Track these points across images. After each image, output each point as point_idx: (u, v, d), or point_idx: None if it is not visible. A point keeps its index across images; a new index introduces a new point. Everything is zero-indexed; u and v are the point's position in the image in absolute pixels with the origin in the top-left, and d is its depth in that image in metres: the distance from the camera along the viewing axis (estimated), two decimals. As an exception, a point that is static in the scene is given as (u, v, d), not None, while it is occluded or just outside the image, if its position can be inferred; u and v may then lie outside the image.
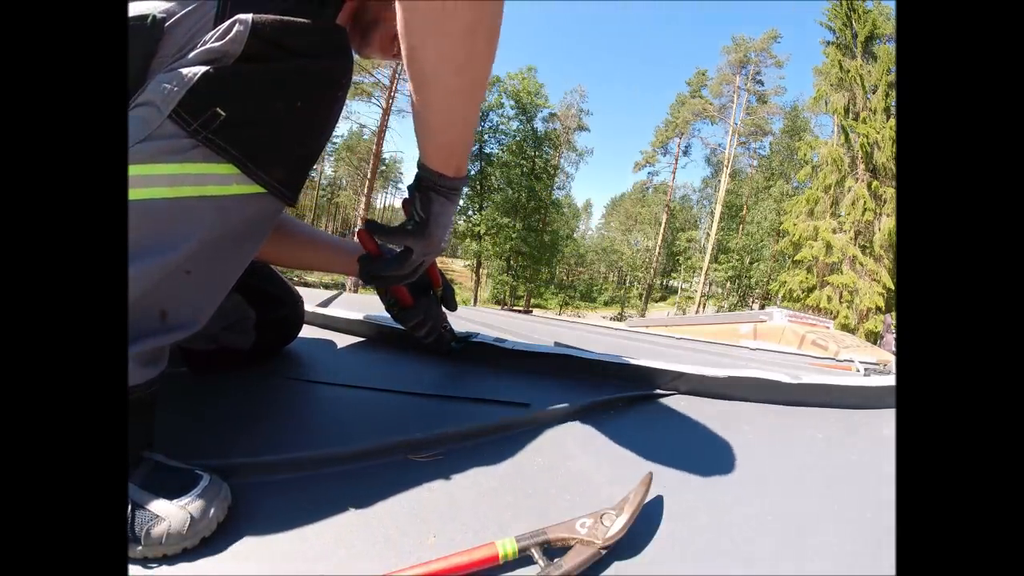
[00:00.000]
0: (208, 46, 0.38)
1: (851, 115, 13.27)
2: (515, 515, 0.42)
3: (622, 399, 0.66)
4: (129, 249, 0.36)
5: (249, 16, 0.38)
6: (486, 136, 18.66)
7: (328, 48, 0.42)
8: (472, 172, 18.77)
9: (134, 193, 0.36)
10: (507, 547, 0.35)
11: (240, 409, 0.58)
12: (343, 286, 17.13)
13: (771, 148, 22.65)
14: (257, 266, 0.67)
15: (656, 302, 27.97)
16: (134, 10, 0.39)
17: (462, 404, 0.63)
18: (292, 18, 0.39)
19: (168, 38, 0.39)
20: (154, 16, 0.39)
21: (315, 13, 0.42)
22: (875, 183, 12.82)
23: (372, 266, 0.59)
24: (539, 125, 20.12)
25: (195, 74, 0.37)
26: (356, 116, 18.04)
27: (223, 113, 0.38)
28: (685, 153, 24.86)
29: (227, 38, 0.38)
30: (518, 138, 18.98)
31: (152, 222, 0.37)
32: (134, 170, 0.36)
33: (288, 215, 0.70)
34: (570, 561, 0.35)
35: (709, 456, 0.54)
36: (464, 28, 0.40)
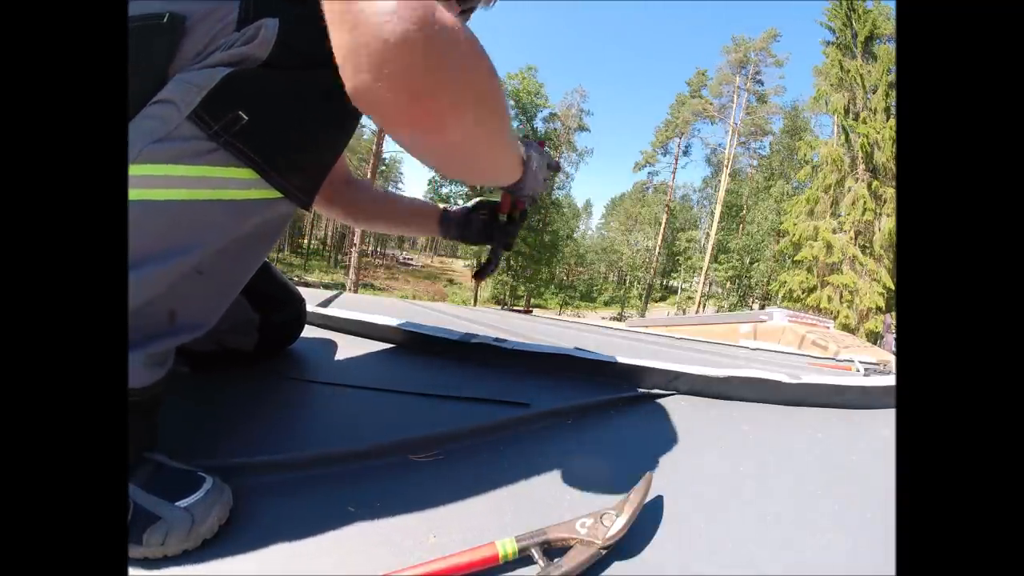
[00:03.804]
0: (233, 49, 0.37)
1: (851, 115, 13.27)
2: (515, 515, 0.42)
3: (622, 399, 0.66)
4: (144, 251, 0.36)
5: (276, 20, 0.38)
6: (486, 136, 18.62)
7: None
8: (472, 172, 18.77)
9: (151, 194, 0.36)
10: (507, 547, 0.35)
11: (240, 409, 0.58)
12: (343, 286, 17.14)
13: (771, 148, 22.66)
14: (260, 268, 0.67)
15: (656, 302, 27.98)
16: (149, 8, 0.38)
17: (462, 404, 0.63)
18: (320, 25, 0.38)
19: (189, 38, 0.38)
20: (171, 14, 0.38)
21: None
22: (875, 183, 12.82)
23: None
24: (539, 125, 20.13)
25: (218, 75, 0.37)
26: (356, 116, 18.00)
27: (245, 117, 0.37)
28: (685, 153, 24.91)
29: (253, 42, 0.37)
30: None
31: (168, 224, 0.37)
32: (151, 170, 0.36)
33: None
34: (570, 561, 0.35)
35: (709, 456, 0.54)
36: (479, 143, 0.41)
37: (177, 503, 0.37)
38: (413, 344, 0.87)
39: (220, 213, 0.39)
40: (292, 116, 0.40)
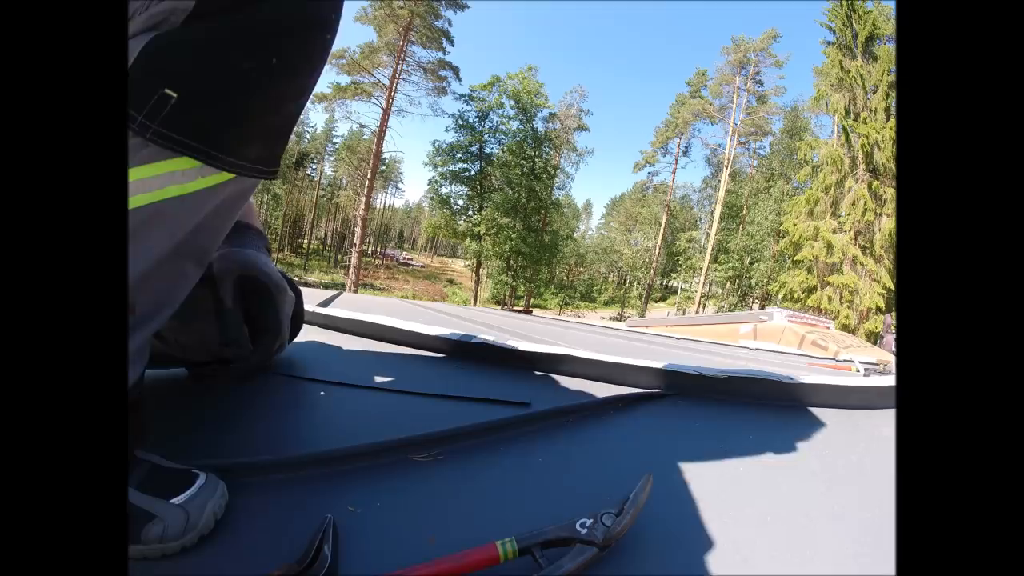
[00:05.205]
0: (151, 9, 0.30)
1: (851, 115, 13.25)
2: (515, 515, 0.42)
3: (622, 399, 0.66)
4: None
5: None
6: (486, 136, 18.66)
7: None
8: (472, 172, 18.80)
9: None
10: (507, 547, 0.35)
11: (240, 409, 0.58)
12: (343, 286, 17.14)
13: (771, 148, 22.64)
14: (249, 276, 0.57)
15: (656, 302, 27.98)
16: None
17: (462, 404, 0.63)
18: None
19: None
20: None
21: None
22: (875, 183, 12.81)
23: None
24: (539, 125, 20.11)
25: (136, 47, 0.29)
26: (356, 116, 18.02)
27: (174, 94, 0.30)
28: (685, 153, 24.86)
29: None
30: (518, 138, 18.95)
31: None
32: None
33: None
34: (570, 561, 0.35)
35: (709, 456, 0.54)
36: None
37: (171, 500, 0.37)
38: (413, 344, 0.87)
39: (164, 215, 0.33)
40: (234, 74, 0.32)
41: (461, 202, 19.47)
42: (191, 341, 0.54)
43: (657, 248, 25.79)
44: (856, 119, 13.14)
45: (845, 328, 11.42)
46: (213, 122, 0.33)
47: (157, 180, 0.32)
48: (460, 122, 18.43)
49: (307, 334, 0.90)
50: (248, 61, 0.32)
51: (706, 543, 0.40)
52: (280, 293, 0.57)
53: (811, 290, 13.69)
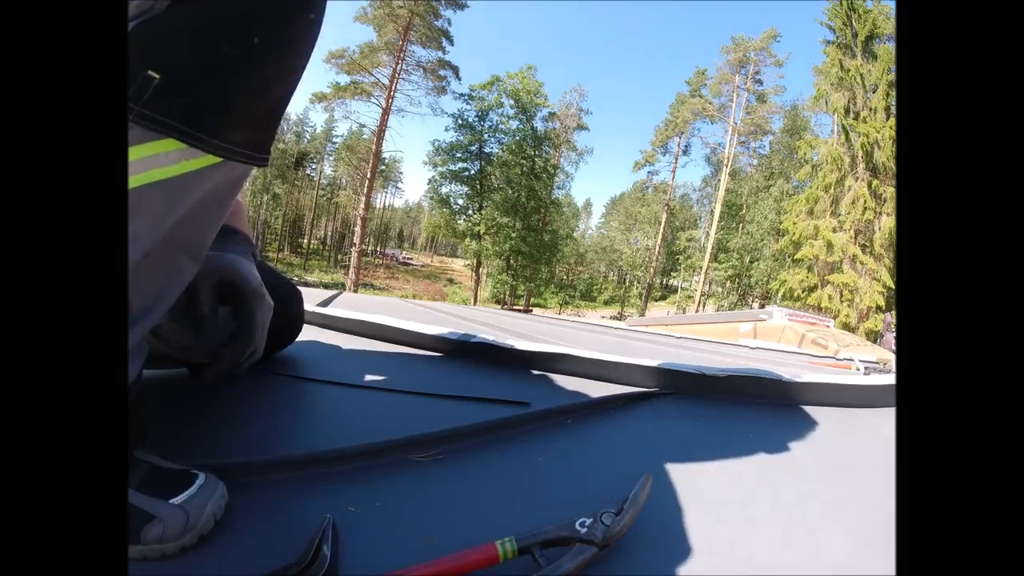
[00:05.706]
0: None
1: (851, 114, 13.25)
2: (515, 515, 0.42)
3: (622, 399, 0.66)
4: None
5: None
6: (486, 136, 18.66)
7: None
8: (472, 171, 18.81)
9: None
10: (507, 547, 0.35)
11: (240, 409, 0.58)
12: (343, 286, 17.14)
13: (771, 147, 22.62)
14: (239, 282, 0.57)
15: (656, 301, 27.99)
16: None
17: (462, 404, 0.63)
18: None
19: None
20: None
21: None
22: (875, 182, 12.81)
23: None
24: (539, 124, 20.10)
25: None
26: (356, 116, 17.99)
27: (156, 76, 0.31)
28: (685, 152, 24.86)
29: None
30: (518, 138, 18.94)
31: None
32: None
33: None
34: (570, 561, 0.35)
35: (709, 456, 0.54)
36: None
37: (170, 500, 0.37)
38: (413, 344, 0.87)
39: (149, 199, 0.33)
40: (216, 57, 0.33)
41: (461, 201, 19.47)
42: (190, 342, 0.54)
43: (657, 247, 25.79)
44: (856, 118, 13.14)
45: (845, 327, 11.43)
46: (197, 104, 0.33)
47: (142, 163, 0.32)
48: (460, 121, 18.44)
49: (307, 334, 0.90)
50: (229, 43, 0.33)
51: (706, 542, 0.40)
52: (256, 299, 0.55)
53: (811, 289, 13.69)
